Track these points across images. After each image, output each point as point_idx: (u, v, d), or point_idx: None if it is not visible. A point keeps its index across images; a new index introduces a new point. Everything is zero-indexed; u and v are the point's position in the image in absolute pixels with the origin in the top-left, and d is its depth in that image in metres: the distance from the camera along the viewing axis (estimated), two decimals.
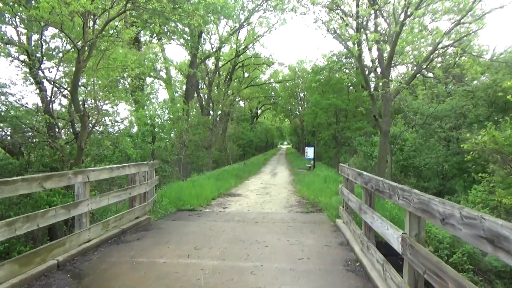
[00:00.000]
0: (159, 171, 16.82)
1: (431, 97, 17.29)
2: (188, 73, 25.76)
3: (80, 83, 10.43)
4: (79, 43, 8.46)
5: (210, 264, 4.61)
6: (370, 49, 13.48)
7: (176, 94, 32.18)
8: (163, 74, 27.45)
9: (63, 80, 9.87)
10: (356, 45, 12.34)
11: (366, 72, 14.10)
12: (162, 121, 18.99)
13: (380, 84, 12.05)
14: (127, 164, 6.44)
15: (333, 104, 26.86)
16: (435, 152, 13.95)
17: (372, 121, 28.55)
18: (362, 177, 4.95)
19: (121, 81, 13.02)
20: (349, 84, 30.40)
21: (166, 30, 23.64)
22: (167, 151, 21.00)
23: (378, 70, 14.01)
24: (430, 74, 16.74)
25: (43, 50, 9.29)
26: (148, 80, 25.36)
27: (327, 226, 6.96)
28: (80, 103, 9.41)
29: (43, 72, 9.19)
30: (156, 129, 17.40)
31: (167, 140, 21.99)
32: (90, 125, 9.75)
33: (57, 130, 9.33)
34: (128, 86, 19.70)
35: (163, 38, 24.99)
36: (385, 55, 12.87)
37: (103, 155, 11.01)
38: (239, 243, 5.58)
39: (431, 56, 12.42)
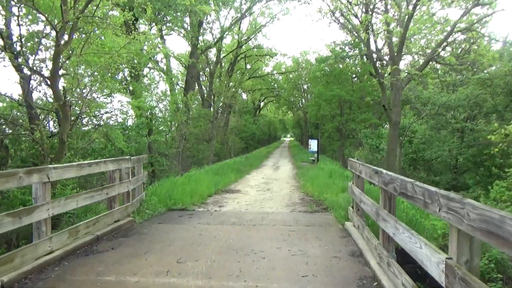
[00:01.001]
0: (155, 165, 15.95)
1: (441, 86, 16.16)
2: (188, 63, 24.72)
3: (65, 72, 9.50)
4: (58, 25, 7.51)
5: (192, 285, 3.67)
6: (376, 35, 12.39)
7: (177, 87, 31.14)
8: (163, 65, 26.41)
9: (43, 66, 8.89)
10: (364, 30, 11.25)
11: (375, 59, 12.99)
12: (160, 112, 18.01)
13: (390, 71, 10.98)
14: (103, 160, 5.49)
15: (337, 95, 25.71)
16: (448, 145, 12.90)
17: (378, 113, 27.48)
18: (381, 176, 3.96)
19: (116, 71, 12.00)
20: (354, 76, 29.27)
21: (165, 20, 22.63)
22: (167, 144, 20.12)
23: (385, 59, 12.93)
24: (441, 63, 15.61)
25: (21, 33, 8.32)
26: (147, 71, 24.42)
27: (334, 230, 6.00)
28: (62, 91, 8.46)
29: (19, 57, 8.20)
30: (153, 122, 16.45)
31: (167, 134, 21.09)
32: (73, 116, 8.83)
33: (37, 121, 8.36)
34: (126, 76, 18.81)
35: (162, 28, 23.98)
36: (395, 40, 11.80)
37: (91, 149, 10.08)
38: (232, 254, 4.63)
39: (445, 42, 11.32)
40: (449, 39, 11.66)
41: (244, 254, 4.63)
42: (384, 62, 12.23)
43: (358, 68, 28.11)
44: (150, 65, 23.88)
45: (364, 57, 28.99)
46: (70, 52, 9.15)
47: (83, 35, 9.19)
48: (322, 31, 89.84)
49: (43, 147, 8.24)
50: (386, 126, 26.72)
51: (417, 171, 15.43)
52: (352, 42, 23.63)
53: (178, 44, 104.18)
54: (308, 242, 5.17)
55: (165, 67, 24.41)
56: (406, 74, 11.18)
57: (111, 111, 10.88)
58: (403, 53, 18.04)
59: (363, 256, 4.52)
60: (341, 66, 28.34)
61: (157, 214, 7.29)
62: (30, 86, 8.52)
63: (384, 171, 3.93)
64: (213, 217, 7.08)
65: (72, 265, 4.21)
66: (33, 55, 8.34)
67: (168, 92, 22.18)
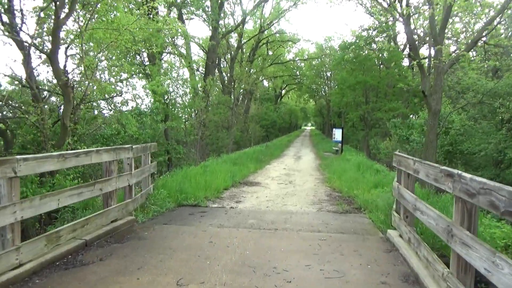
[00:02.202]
0: (172, 153, 15.04)
1: (482, 71, 14.42)
2: (209, 47, 23.61)
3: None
4: None
5: None
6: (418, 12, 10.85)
7: (197, 73, 30.10)
8: (183, 50, 25.33)
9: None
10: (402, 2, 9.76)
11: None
12: (179, 98, 16.96)
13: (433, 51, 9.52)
14: (95, 149, 4.49)
15: (362, 82, 24.08)
16: (493, 137, 11.36)
17: (407, 102, 25.71)
18: (460, 181, 2.75)
19: (126, 50, 11.03)
20: (380, 63, 27.42)
21: (186, 2, 21.49)
22: (186, 131, 19.24)
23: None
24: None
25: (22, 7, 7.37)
26: (167, 57, 23.44)
27: (375, 240, 4.82)
28: (63, 70, 7.52)
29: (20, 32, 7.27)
30: (170, 107, 15.49)
31: (186, 120, 20.17)
32: (78, 98, 7.89)
33: (35, 104, 7.46)
34: (144, 60, 17.88)
35: (182, 12, 22.87)
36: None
37: (99, 136, 9.18)
38: (248, 274, 3.55)
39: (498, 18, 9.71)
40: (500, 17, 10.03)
41: (263, 274, 3.54)
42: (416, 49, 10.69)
43: (384, 54, 26.32)
44: (169, 49, 23.01)
45: (392, 42, 27.26)
46: (77, 29, 8.24)
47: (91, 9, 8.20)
48: (348, 15, 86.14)
49: (44, 132, 7.37)
50: (413, 116, 24.98)
51: (453, 165, 13.91)
52: (383, 24, 21.90)
53: (199, 30, 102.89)
54: (345, 258, 4.03)
55: (184, 51, 23.41)
56: (451, 54, 9.63)
57: (122, 95, 9.82)
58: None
59: (420, 283, 3.35)
60: (366, 52, 26.68)
61: (165, 211, 6.30)
62: (30, 63, 7.60)
63: (466, 174, 2.71)
64: (228, 217, 6.03)
65: (43, 285, 3.24)
66: (35, 30, 7.39)
67: (185, 77, 21.10)
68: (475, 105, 12.82)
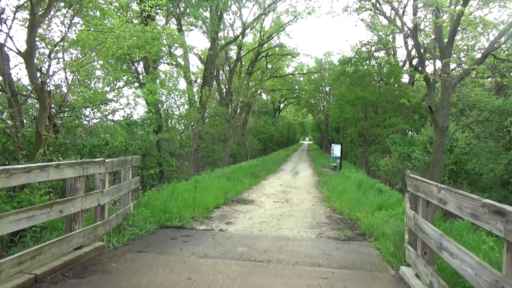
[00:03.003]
0: (164, 166, 14.24)
1: (489, 88, 13.81)
2: (207, 59, 23.08)
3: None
4: None
5: None
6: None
7: (195, 84, 29.50)
8: (181, 61, 24.74)
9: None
10: (413, 12, 9.16)
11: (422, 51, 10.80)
12: (173, 108, 16.23)
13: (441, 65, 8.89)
14: (53, 163, 3.73)
15: (361, 98, 23.52)
16: (502, 157, 10.66)
17: (407, 118, 25.13)
18: None
19: (111, 54, 10.33)
20: (379, 78, 26.96)
21: (185, 12, 21.04)
22: (182, 143, 18.49)
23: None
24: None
25: None
26: (164, 68, 22.86)
27: (386, 279, 4.01)
28: (41, 74, 6.80)
29: None
30: (162, 117, 14.77)
31: (182, 132, 19.45)
32: (54, 104, 7.16)
33: (8, 109, 6.71)
34: (139, 70, 17.21)
35: (182, 21, 22.39)
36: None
37: (81, 146, 8.40)
38: None
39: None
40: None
41: None
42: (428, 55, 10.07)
43: (383, 70, 25.90)
44: (167, 60, 22.43)
45: (392, 58, 26.84)
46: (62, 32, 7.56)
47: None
48: (347, 31, 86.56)
49: (16, 140, 6.61)
50: (412, 132, 24.37)
51: (458, 185, 13.18)
52: (382, 39, 21.45)
53: (199, 41, 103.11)
54: None
55: (182, 62, 22.83)
56: (460, 68, 9.00)
57: (109, 103, 9.07)
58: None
59: None
60: (365, 68, 26.25)
61: (144, 233, 5.48)
62: (5, 64, 6.88)
63: None
64: (215, 242, 5.22)
65: None
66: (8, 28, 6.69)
67: (182, 88, 20.46)
68: (478, 124, 12.15)
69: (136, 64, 17.15)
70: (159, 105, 14.32)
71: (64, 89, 7.66)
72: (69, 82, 7.05)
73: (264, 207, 8.44)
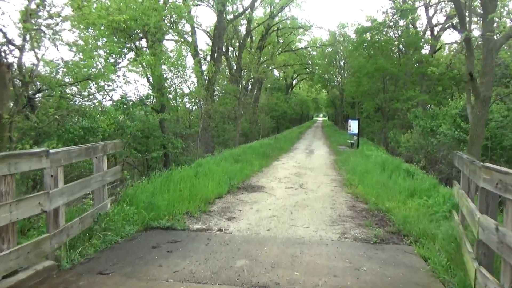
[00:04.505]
0: (168, 148, 13.03)
1: None
2: (214, 33, 21.40)
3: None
4: None
5: None
6: None
7: (204, 62, 27.92)
8: (188, 38, 23.09)
9: None
10: None
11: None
12: (176, 85, 14.81)
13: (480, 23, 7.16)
14: None
15: (381, 68, 21.55)
16: None
17: (429, 90, 23.15)
18: None
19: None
20: (399, 49, 24.79)
21: None
22: (191, 122, 17.27)
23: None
24: None
25: None
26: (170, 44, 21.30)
27: None
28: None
29: None
30: (164, 96, 13.40)
31: (190, 111, 18.16)
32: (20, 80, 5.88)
33: None
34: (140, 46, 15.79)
35: None
36: None
37: (62, 130, 7.17)
38: None
39: None
40: None
41: None
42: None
43: (403, 40, 23.71)
44: (174, 37, 20.83)
45: (411, 26, 24.53)
46: None
47: None
48: (362, 1, 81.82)
49: None
50: (431, 106, 22.40)
51: (492, 162, 11.54)
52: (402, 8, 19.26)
53: (208, 18, 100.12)
54: None
55: (188, 39, 21.22)
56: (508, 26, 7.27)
57: (93, 80, 7.73)
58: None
59: None
60: (384, 38, 24.15)
61: (119, 240, 4.25)
62: None
63: None
64: (208, 252, 3.94)
65: None
66: None
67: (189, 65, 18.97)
68: None
69: (139, 42, 15.71)
70: (162, 82, 12.92)
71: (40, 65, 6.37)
72: (37, 53, 5.72)
73: (274, 195, 7.13)
